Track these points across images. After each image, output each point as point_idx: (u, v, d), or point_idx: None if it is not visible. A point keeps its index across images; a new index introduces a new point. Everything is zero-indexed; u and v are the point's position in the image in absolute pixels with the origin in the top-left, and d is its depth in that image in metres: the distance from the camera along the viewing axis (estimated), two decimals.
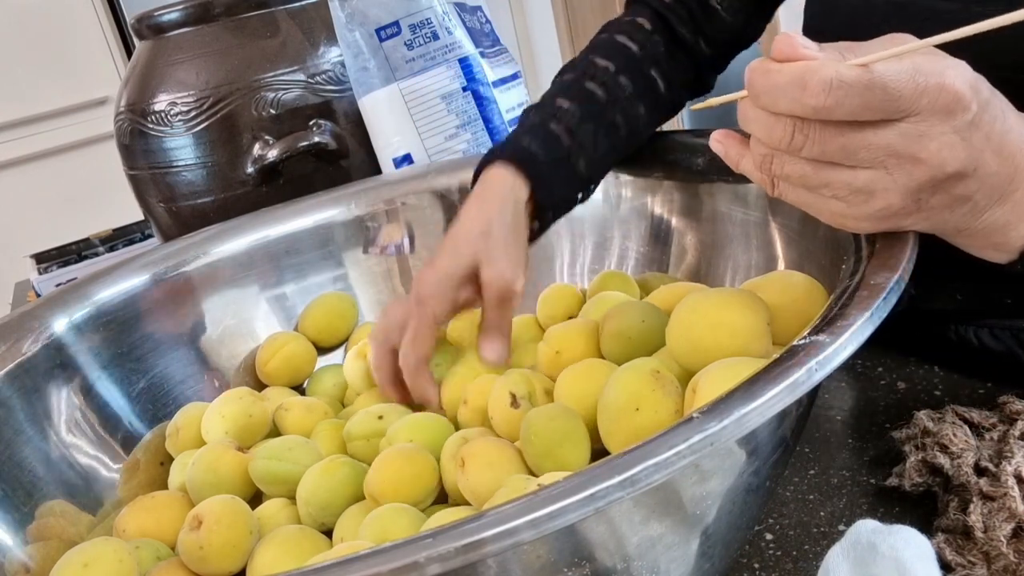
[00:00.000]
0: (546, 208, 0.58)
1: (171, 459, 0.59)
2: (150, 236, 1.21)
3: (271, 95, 0.84)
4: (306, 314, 0.70)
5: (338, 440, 0.56)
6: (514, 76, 0.91)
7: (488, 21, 0.93)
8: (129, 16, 1.61)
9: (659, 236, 0.67)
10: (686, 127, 1.43)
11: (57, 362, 0.58)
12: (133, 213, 1.02)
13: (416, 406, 0.58)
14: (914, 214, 0.36)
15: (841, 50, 0.34)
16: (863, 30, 0.41)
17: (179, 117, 0.85)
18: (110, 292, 0.64)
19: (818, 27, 0.57)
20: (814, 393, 0.40)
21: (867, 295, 0.35)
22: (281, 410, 0.60)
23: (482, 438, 0.49)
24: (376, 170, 0.87)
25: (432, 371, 0.59)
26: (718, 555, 0.38)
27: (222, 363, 0.67)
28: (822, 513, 0.46)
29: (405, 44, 0.83)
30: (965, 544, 0.40)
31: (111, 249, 1.25)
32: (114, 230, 1.32)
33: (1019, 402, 0.46)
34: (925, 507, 0.44)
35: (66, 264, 1.21)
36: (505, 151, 0.57)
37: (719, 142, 0.41)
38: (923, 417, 0.46)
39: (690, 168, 0.63)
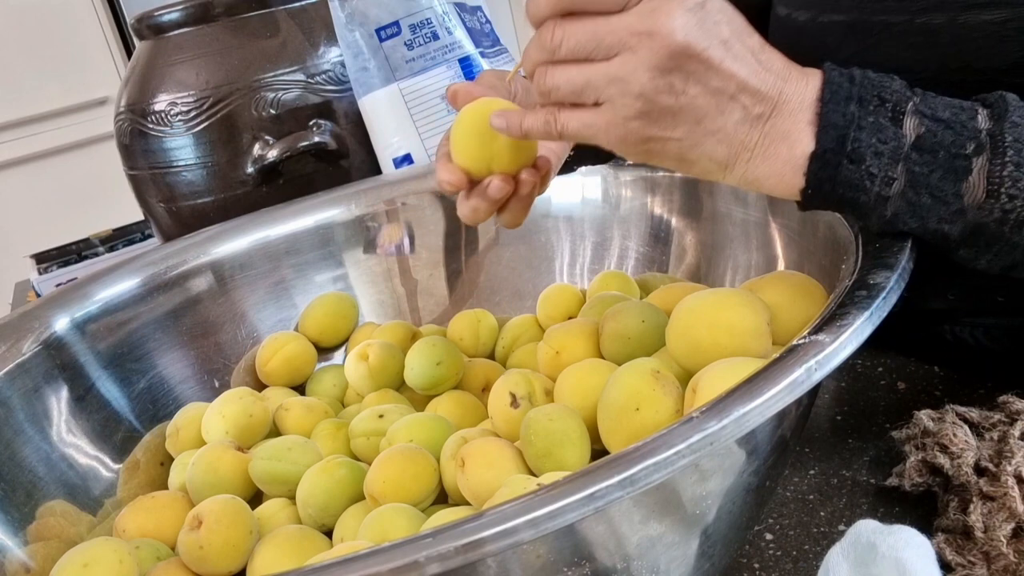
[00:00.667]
0: None
1: (171, 459, 0.59)
2: (150, 236, 1.21)
3: (271, 95, 0.84)
4: (306, 314, 0.70)
5: (338, 440, 0.56)
6: None
7: (488, 21, 0.93)
8: (129, 16, 1.61)
9: (659, 236, 0.67)
10: None
11: (57, 362, 0.58)
12: (133, 213, 1.02)
13: (416, 406, 0.58)
14: (679, 115, 0.38)
15: None
16: (820, 52, 0.43)
17: (179, 117, 0.85)
18: (110, 292, 0.64)
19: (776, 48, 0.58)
20: (814, 393, 0.40)
21: (866, 295, 0.35)
22: (281, 410, 0.60)
23: (482, 438, 0.49)
24: (376, 170, 0.87)
25: (432, 371, 0.59)
26: (718, 555, 0.38)
27: (222, 363, 0.67)
28: (822, 513, 0.46)
29: (405, 44, 0.83)
30: (965, 544, 0.40)
31: (111, 249, 1.25)
32: (114, 230, 1.32)
33: (1019, 402, 0.46)
34: (925, 507, 0.44)
35: (66, 264, 1.21)
36: None
37: (499, 117, 0.44)
38: (923, 417, 0.46)
39: None
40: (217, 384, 0.66)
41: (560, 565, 0.31)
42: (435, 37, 0.84)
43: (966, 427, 0.45)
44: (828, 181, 0.38)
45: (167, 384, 0.64)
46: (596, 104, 0.40)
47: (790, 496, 0.48)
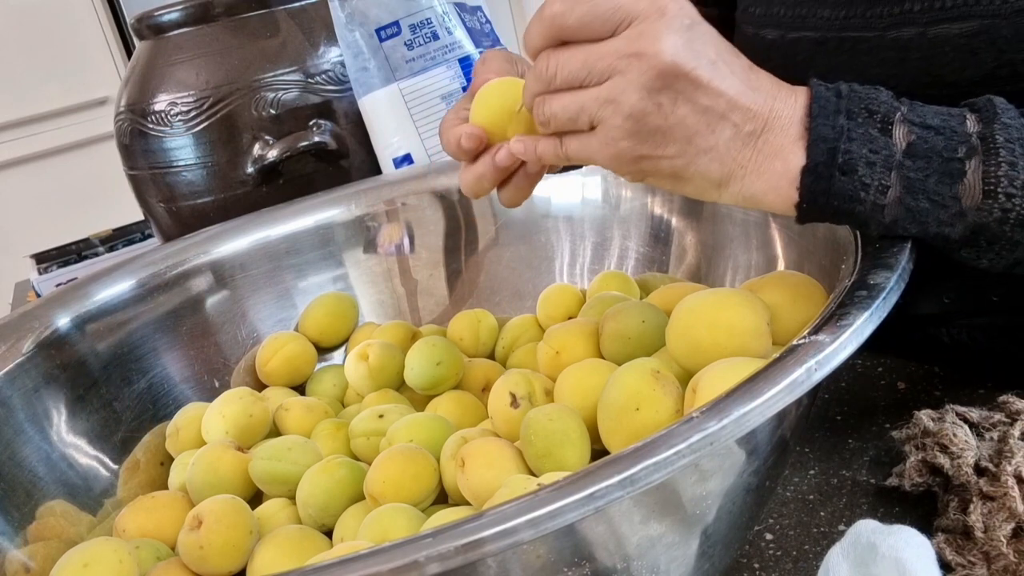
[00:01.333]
0: None
1: (171, 459, 0.59)
2: (150, 236, 1.21)
3: (271, 95, 0.84)
4: (306, 314, 0.70)
5: (338, 440, 0.56)
6: None
7: (488, 21, 0.93)
8: (129, 16, 1.61)
9: (659, 236, 0.67)
10: None
11: (57, 362, 0.58)
12: (133, 213, 1.02)
13: (416, 406, 0.58)
14: (668, 133, 0.39)
15: None
16: (791, 68, 0.43)
17: (179, 117, 0.85)
18: (110, 292, 0.64)
19: None
20: (814, 393, 0.40)
21: (866, 295, 0.35)
22: (281, 410, 0.60)
23: (482, 438, 0.49)
24: (376, 170, 0.87)
25: (432, 371, 0.59)
26: (718, 555, 0.38)
27: (222, 363, 0.67)
28: (822, 513, 0.46)
29: (405, 44, 0.83)
30: (965, 544, 0.40)
31: (111, 249, 1.25)
32: (114, 230, 1.32)
33: (1019, 402, 0.46)
34: (925, 507, 0.44)
35: (66, 264, 1.21)
36: None
37: (519, 142, 0.45)
38: (923, 417, 0.46)
39: None
40: (217, 384, 0.66)
41: (560, 565, 0.31)
42: (435, 37, 0.84)
43: (966, 427, 0.45)
44: (822, 194, 0.39)
45: (167, 384, 0.64)
46: (592, 128, 0.41)
47: (790, 496, 0.48)
